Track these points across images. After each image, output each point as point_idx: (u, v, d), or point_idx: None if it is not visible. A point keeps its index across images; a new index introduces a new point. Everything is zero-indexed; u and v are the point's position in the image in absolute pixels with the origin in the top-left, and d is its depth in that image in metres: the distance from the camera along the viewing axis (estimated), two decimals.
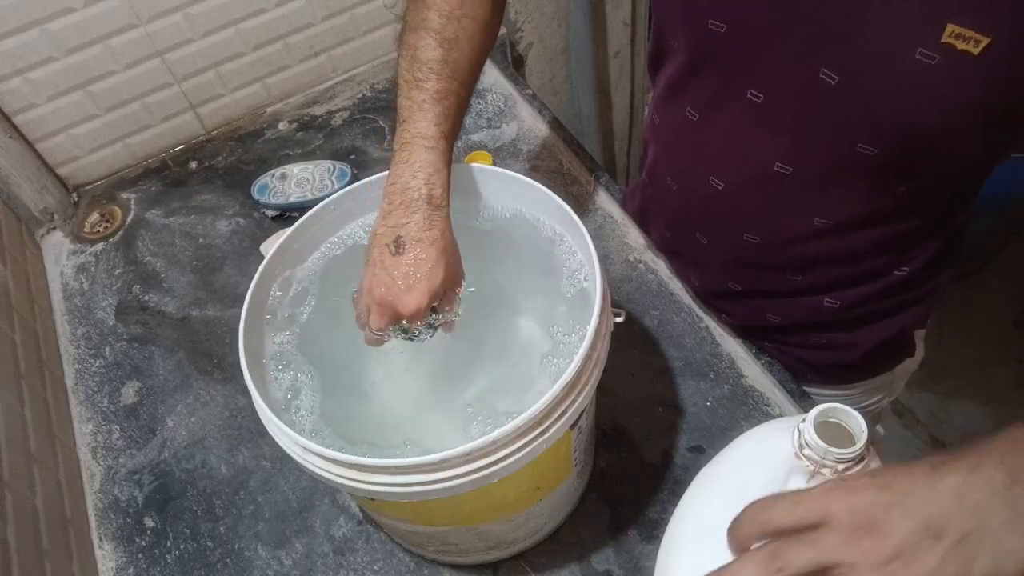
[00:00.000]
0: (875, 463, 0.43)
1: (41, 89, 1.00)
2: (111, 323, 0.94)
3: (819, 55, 0.53)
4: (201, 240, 1.02)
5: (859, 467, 0.42)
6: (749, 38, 0.56)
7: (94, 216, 1.08)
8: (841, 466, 0.41)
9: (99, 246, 1.04)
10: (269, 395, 0.58)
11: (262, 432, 0.55)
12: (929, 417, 1.62)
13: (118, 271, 1.00)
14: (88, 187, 1.12)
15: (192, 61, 1.07)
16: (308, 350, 0.62)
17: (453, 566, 0.70)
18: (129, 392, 0.88)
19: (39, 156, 1.05)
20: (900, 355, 0.79)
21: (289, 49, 1.13)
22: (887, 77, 0.51)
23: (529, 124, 1.08)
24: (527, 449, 0.50)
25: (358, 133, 1.13)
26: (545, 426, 0.50)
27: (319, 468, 0.51)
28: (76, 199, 1.11)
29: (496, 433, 0.48)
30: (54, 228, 1.07)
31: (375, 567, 0.71)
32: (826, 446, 0.41)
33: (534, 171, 1.02)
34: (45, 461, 0.76)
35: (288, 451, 0.53)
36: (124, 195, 1.10)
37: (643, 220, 0.90)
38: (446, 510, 0.58)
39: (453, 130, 0.61)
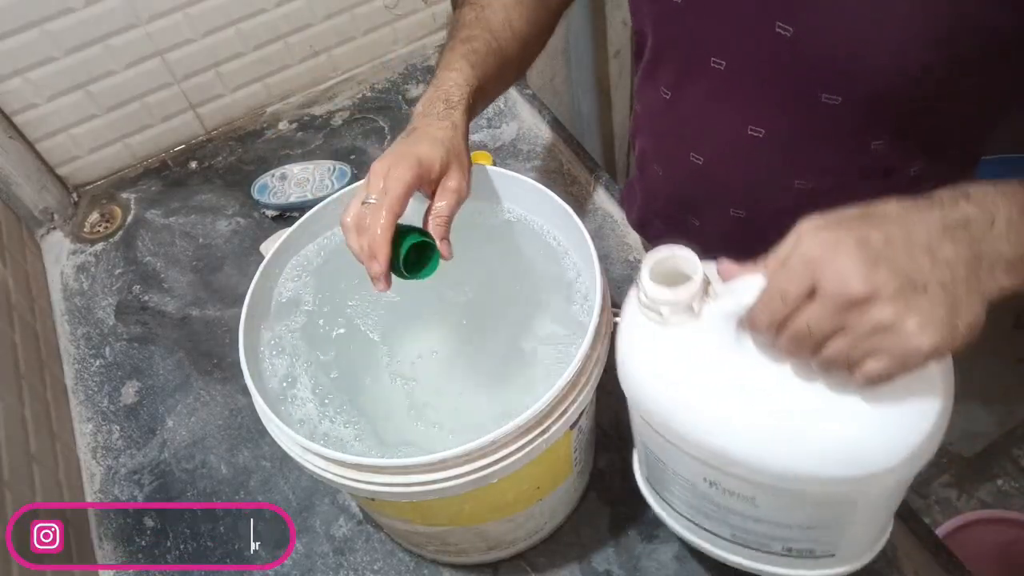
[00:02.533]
0: (721, 289, 0.43)
1: (41, 89, 1.00)
2: (111, 323, 0.94)
3: (771, 9, 0.53)
4: (201, 240, 1.02)
5: (702, 302, 0.43)
6: (705, 5, 0.57)
7: (94, 216, 1.08)
8: (677, 307, 0.42)
9: (99, 246, 1.04)
10: (269, 394, 0.58)
11: (262, 432, 0.55)
12: None
13: (118, 271, 1.00)
14: (88, 187, 1.12)
15: (192, 61, 1.07)
16: (308, 349, 0.62)
17: (453, 566, 0.70)
18: (129, 392, 0.88)
19: (39, 156, 1.05)
20: None
21: (289, 49, 1.13)
22: (838, 19, 0.51)
23: (529, 124, 1.08)
24: (527, 449, 0.50)
25: (358, 133, 1.13)
26: (545, 426, 0.50)
27: (319, 468, 0.51)
28: (76, 199, 1.11)
29: (496, 433, 0.48)
30: (54, 228, 1.07)
31: (375, 567, 0.71)
32: (658, 291, 0.42)
33: (534, 171, 1.02)
34: (45, 461, 0.76)
35: (288, 451, 0.53)
36: (124, 195, 1.10)
37: (641, 221, 0.89)
38: (446, 510, 0.58)
39: (480, 61, 0.63)
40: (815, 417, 0.41)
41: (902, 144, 0.59)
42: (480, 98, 0.63)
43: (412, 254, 0.55)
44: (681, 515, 0.56)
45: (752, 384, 0.42)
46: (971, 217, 0.37)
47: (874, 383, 0.38)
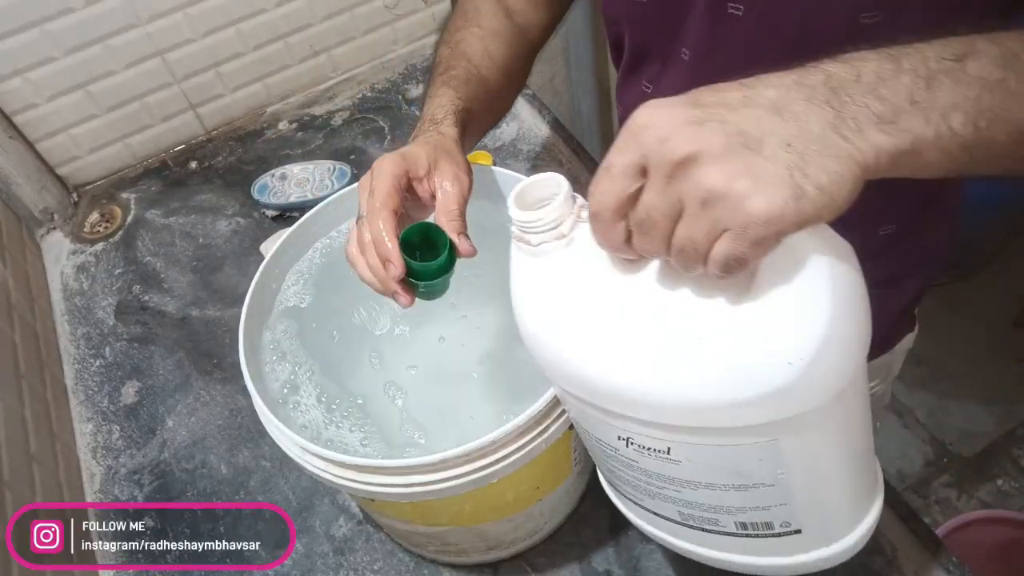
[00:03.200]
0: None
1: (41, 89, 1.00)
2: (111, 323, 0.94)
3: None
4: (201, 240, 1.02)
5: (574, 225, 0.39)
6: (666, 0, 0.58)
7: (94, 216, 1.08)
8: (546, 231, 0.38)
9: (99, 246, 1.04)
10: (269, 394, 0.58)
11: (262, 432, 0.55)
12: (929, 417, 1.62)
13: (118, 271, 1.00)
14: (88, 187, 1.12)
15: (192, 61, 1.07)
16: (309, 349, 0.62)
17: (453, 566, 0.70)
18: (129, 392, 0.88)
19: (39, 156, 1.05)
20: (900, 331, 0.77)
21: (289, 49, 1.13)
22: None
23: (529, 124, 1.08)
24: (527, 449, 0.50)
25: (358, 133, 1.13)
26: (545, 426, 0.50)
27: (319, 468, 0.51)
28: (76, 199, 1.11)
29: (496, 433, 0.48)
30: (54, 228, 1.07)
31: (375, 567, 0.71)
32: (523, 214, 0.38)
33: (534, 171, 1.02)
34: (45, 461, 0.76)
35: (288, 451, 0.53)
36: (124, 195, 1.10)
37: None
38: (446, 510, 0.58)
39: (460, 85, 0.63)
40: (704, 333, 0.36)
41: None
42: (469, 120, 0.62)
43: (425, 255, 0.52)
44: (631, 500, 0.51)
45: (636, 307, 0.37)
46: (831, 72, 0.33)
47: (729, 271, 0.32)
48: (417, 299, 0.53)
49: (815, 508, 0.43)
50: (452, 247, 0.51)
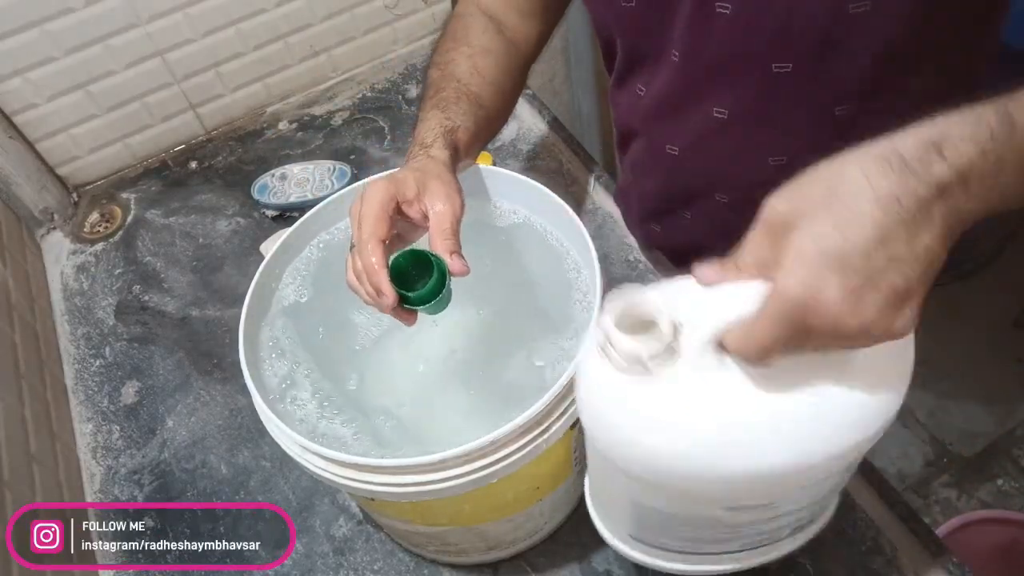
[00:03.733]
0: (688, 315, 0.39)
1: (41, 89, 1.00)
2: (111, 323, 0.94)
3: None
4: (201, 240, 1.02)
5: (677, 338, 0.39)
6: (653, 3, 0.59)
7: (94, 216, 1.08)
8: (652, 362, 0.38)
9: (99, 246, 1.04)
10: (266, 388, 0.58)
11: (262, 432, 0.55)
12: (929, 417, 1.62)
13: (118, 271, 1.00)
14: (88, 187, 1.12)
15: (192, 61, 1.07)
16: (306, 345, 0.62)
17: (453, 566, 0.70)
18: (129, 392, 0.88)
19: (39, 156, 1.05)
20: None
21: (289, 49, 1.13)
22: None
23: (529, 124, 1.08)
24: (527, 449, 0.50)
25: (358, 133, 1.13)
26: (545, 426, 0.50)
27: (319, 468, 0.51)
28: (76, 199, 1.11)
29: (496, 433, 0.48)
30: (54, 228, 1.07)
31: (375, 567, 0.71)
32: (632, 343, 0.37)
33: (534, 171, 1.02)
34: (45, 461, 0.76)
35: (288, 450, 0.53)
36: (124, 195, 1.10)
37: (640, 225, 0.89)
38: (446, 510, 0.58)
39: (450, 106, 0.63)
40: (816, 403, 0.39)
41: (868, 108, 0.57)
42: (460, 139, 0.62)
43: (420, 276, 0.53)
44: (679, 552, 0.53)
45: (748, 399, 0.40)
46: (946, 184, 0.34)
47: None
48: (423, 313, 0.54)
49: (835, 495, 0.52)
50: (444, 267, 0.52)
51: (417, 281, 0.53)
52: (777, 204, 0.36)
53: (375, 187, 0.53)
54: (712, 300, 0.39)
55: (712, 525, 0.48)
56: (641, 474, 0.43)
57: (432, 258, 0.52)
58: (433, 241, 0.53)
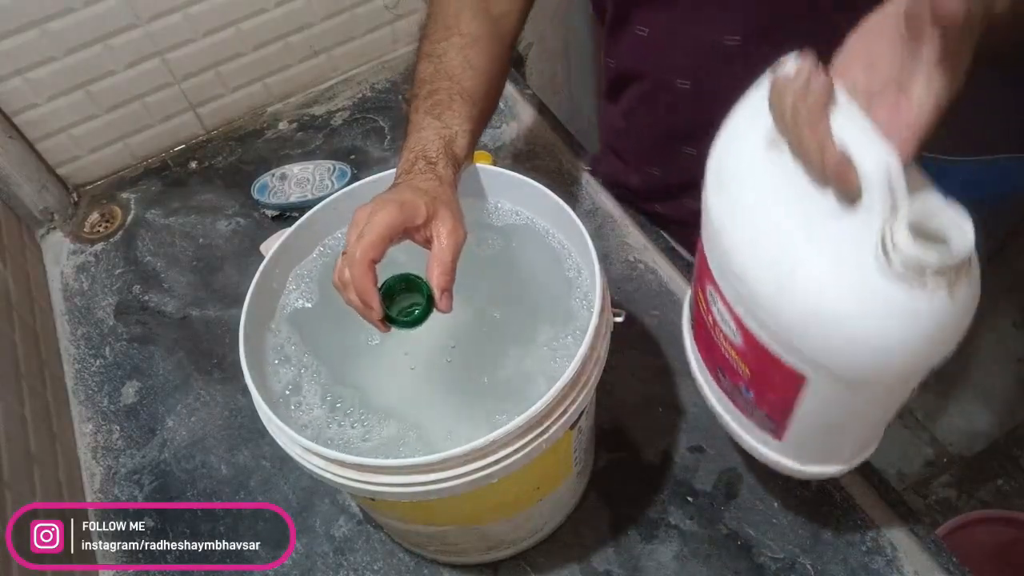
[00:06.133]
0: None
1: (41, 89, 1.00)
2: (111, 323, 0.94)
3: None
4: (201, 240, 1.02)
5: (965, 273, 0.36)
6: None
7: (94, 216, 1.08)
8: (943, 277, 0.36)
9: (99, 246, 1.04)
10: (269, 394, 0.58)
11: (262, 432, 0.55)
12: (929, 417, 1.62)
13: (118, 271, 1.00)
14: (88, 187, 1.12)
15: (192, 61, 1.07)
16: (313, 350, 0.62)
17: (453, 566, 0.70)
18: (129, 392, 0.88)
19: (39, 156, 1.05)
20: None
21: (289, 49, 1.13)
22: None
23: (529, 124, 1.08)
24: (527, 449, 0.50)
25: (358, 133, 1.13)
26: (545, 426, 0.50)
27: (319, 468, 0.51)
28: (76, 199, 1.11)
29: (496, 433, 0.48)
30: (54, 228, 1.07)
31: (375, 567, 0.71)
32: (927, 252, 0.34)
33: (534, 171, 1.02)
34: (45, 461, 0.76)
35: (288, 451, 0.53)
36: (124, 195, 1.10)
37: (627, 177, 0.90)
38: (446, 510, 0.58)
39: (444, 111, 0.63)
40: None
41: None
42: (461, 145, 0.62)
43: (402, 297, 0.55)
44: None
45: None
46: None
47: None
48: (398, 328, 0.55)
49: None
50: (430, 297, 0.53)
51: (401, 296, 0.55)
52: None
53: (387, 210, 0.52)
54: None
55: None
56: (898, 375, 0.42)
57: (425, 287, 0.54)
58: (431, 270, 0.53)
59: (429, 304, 0.54)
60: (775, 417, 0.50)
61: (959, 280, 0.36)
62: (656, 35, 0.68)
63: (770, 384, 0.47)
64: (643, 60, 0.72)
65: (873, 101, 0.37)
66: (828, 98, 0.37)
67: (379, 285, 0.53)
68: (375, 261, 0.52)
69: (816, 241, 0.38)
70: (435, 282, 0.53)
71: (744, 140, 0.44)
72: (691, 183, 0.80)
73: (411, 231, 0.54)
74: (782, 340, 0.43)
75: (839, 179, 0.36)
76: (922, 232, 0.35)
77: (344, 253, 0.53)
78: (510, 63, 0.74)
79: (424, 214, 0.54)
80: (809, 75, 0.36)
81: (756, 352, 0.45)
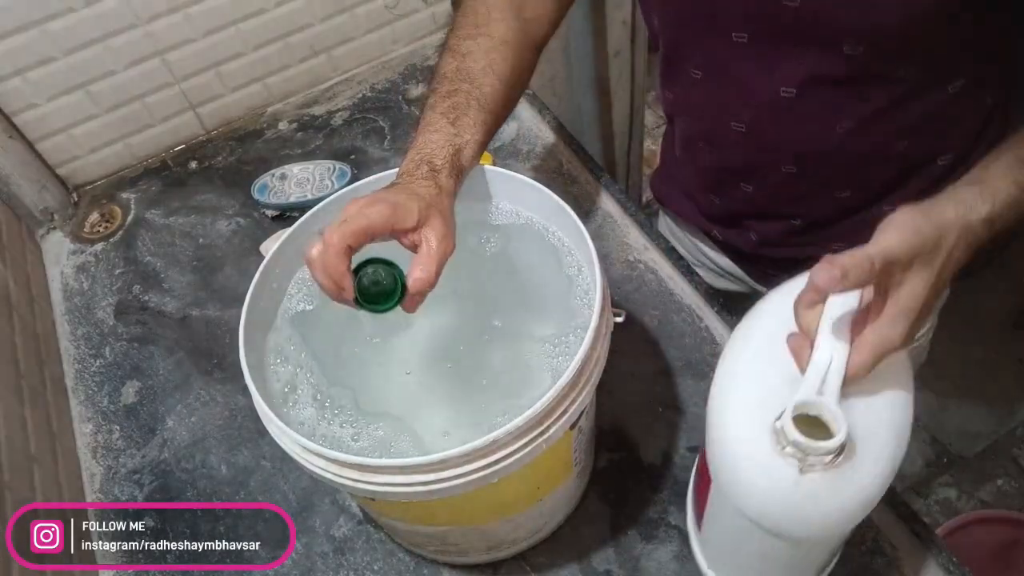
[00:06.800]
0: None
1: (41, 89, 1.00)
2: (111, 323, 0.94)
3: None
4: (201, 240, 1.02)
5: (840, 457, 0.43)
6: None
7: (94, 216, 1.08)
8: (827, 458, 0.43)
9: (99, 246, 1.04)
10: (269, 393, 0.58)
11: (262, 432, 0.55)
12: (929, 417, 1.62)
13: (118, 271, 1.00)
14: (88, 187, 1.12)
15: (192, 61, 1.07)
16: (308, 348, 0.62)
17: (453, 566, 0.70)
18: (129, 392, 0.88)
19: (39, 156, 1.05)
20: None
21: (289, 49, 1.13)
22: None
23: (529, 124, 1.08)
24: (527, 449, 0.50)
25: (358, 133, 1.13)
26: (545, 426, 0.50)
27: (319, 468, 0.51)
28: (76, 199, 1.11)
29: (496, 433, 0.48)
30: (54, 228, 1.07)
31: (375, 567, 0.71)
32: (807, 442, 0.42)
33: (534, 171, 1.02)
34: (45, 461, 0.76)
35: (288, 451, 0.53)
36: (124, 195, 1.10)
37: (683, 198, 0.91)
38: (446, 510, 0.58)
39: (460, 116, 0.62)
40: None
41: (933, 69, 0.62)
42: (468, 155, 0.62)
43: (376, 283, 0.54)
44: None
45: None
46: (983, 239, 0.47)
47: None
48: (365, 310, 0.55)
49: None
50: (403, 290, 0.53)
51: (371, 278, 0.54)
52: (898, 245, 0.43)
53: (378, 208, 0.52)
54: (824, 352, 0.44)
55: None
56: (808, 536, 0.49)
57: (401, 278, 0.53)
58: (412, 271, 0.53)
59: (403, 294, 0.53)
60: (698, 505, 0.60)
61: (833, 463, 0.43)
62: (711, 80, 0.70)
63: (702, 477, 0.56)
64: (697, 100, 0.74)
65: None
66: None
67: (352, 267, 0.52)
68: (352, 249, 0.52)
69: (765, 404, 0.46)
70: (414, 286, 0.52)
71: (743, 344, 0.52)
72: (750, 215, 0.81)
73: (399, 233, 0.54)
74: (710, 452, 0.51)
75: (795, 356, 0.46)
76: (810, 422, 0.43)
77: (321, 233, 0.52)
78: (535, 65, 0.74)
79: (415, 219, 0.53)
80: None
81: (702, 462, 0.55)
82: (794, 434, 0.42)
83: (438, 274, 0.53)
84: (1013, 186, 0.48)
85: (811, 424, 0.43)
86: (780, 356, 0.47)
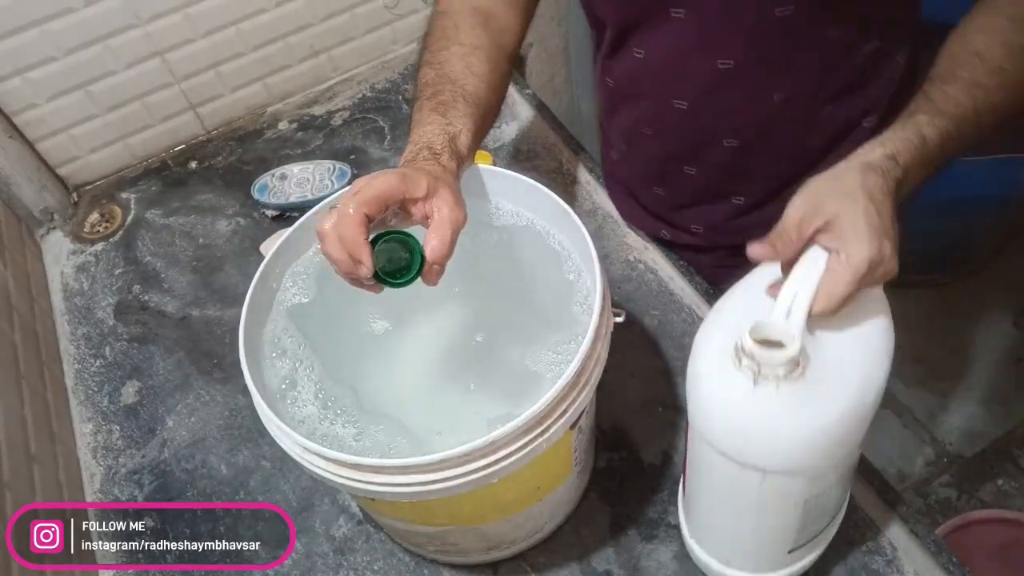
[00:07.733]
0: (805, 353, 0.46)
1: (41, 89, 1.00)
2: (111, 323, 0.94)
3: None
4: (201, 240, 1.02)
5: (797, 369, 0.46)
6: None
7: (94, 216, 1.08)
8: (779, 369, 0.45)
9: (99, 246, 1.04)
10: (269, 394, 0.58)
11: (262, 432, 0.55)
12: (929, 417, 1.62)
13: (118, 271, 1.00)
14: (88, 187, 1.12)
15: (192, 61, 1.07)
16: (309, 346, 0.62)
17: (453, 566, 0.70)
18: (129, 392, 0.88)
19: (39, 156, 1.05)
20: None
21: (289, 49, 1.13)
22: None
23: (529, 124, 1.08)
24: (527, 449, 0.50)
25: (358, 133, 1.13)
26: (545, 426, 0.50)
27: (319, 468, 0.51)
28: (76, 199, 1.11)
29: (496, 433, 0.48)
30: (54, 228, 1.07)
31: (375, 567, 0.71)
32: (760, 351, 0.45)
33: (534, 171, 1.02)
34: (45, 461, 0.76)
35: (288, 451, 0.53)
36: (124, 195, 1.10)
37: (627, 198, 0.91)
38: (446, 510, 0.58)
39: (449, 110, 0.63)
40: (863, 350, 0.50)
41: (855, 28, 0.66)
42: (464, 143, 0.62)
43: (391, 260, 0.53)
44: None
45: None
46: (900, 179, 0.51)
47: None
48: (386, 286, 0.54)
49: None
50: (422, 261, 0.52)
51: (387, 253, 0.53)
52: (812, 195, 0.50)
53: (387, 176, 0.52)
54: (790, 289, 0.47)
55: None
56: (766, 462, 0.49)
57: (418, 248, 0.52)
58: (429, 241, 0.52)
59: (421, 265, 0.52)
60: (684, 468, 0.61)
61: (789, 378, 0.45)
62: (652, 57, 0.71)
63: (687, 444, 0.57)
64: (640, 81, 0.74)
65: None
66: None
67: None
68: (369, 219, 0.51)
69: (734, 335, 0.48)
70: (432, 254, 0.52)
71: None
72: (694, 201, 0.81)
73: (409, 203, 0.53)
74: (687, 388, 0.53)
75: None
76: (766, 342, 0.45)
77: (334, 207, 0.51)
78: (511, 75, 0.75)
79: (425, 188, 0.53)
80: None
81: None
82: (748, 343, 0.45)
83: (453, 242, 0.53)
84: (920, 97, 0.55)
85: (775, 348, 0.45)
86: (759, 304, 0.50)
